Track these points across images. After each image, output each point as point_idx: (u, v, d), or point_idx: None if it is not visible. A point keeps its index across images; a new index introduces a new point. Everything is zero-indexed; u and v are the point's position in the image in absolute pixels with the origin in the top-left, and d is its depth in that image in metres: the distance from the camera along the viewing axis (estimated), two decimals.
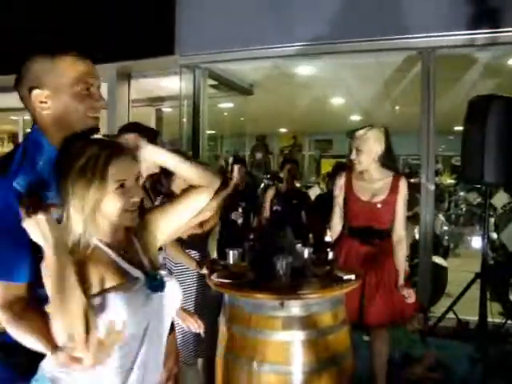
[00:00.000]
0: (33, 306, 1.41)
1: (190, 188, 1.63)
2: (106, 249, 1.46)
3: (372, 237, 3.09)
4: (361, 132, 3.07)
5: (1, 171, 1.41)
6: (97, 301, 1.38)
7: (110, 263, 1.45)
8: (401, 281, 3.07)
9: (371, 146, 3.05)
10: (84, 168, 1.37)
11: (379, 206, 3.04)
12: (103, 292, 1.39)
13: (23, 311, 1.39)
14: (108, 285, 1.41)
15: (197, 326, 2.56)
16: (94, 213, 1.40)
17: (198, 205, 1.64)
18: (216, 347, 2.73)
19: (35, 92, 1.46)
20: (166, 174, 2.70)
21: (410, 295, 3.02)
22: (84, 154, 1.39)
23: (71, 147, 1.42)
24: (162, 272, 1.57)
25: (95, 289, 1.39)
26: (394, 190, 3.06)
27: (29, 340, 1.38)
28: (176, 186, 3.08)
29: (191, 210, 1.65)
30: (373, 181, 3.11)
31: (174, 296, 1.57)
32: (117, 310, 1.38)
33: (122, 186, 1.42)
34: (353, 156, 3.09)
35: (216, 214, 3.28)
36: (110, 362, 1.40)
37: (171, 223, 1.64)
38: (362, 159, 3.07)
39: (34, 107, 1.49)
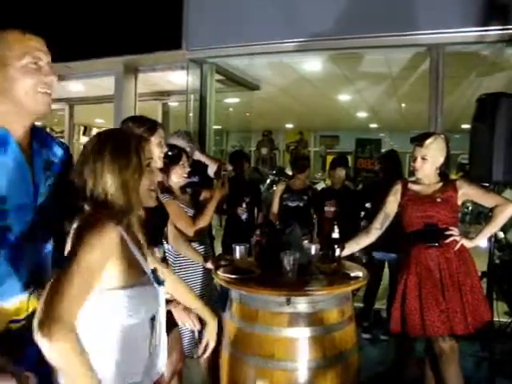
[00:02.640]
0: None
1: None
2: (128, 238, 1.48)
3: (436, 236, 2.94)
4: (429, 141, 3.00)
5: None
6: (114, 296, 1.40)
7: (128, 254, 1.46)
8: (482, 234, 3.03)
9: (436, 155, 3.02)
10: (120, 146, 1.48)
11: (439, 200, 2.96)
12: (122, 288, 1.41)
13: None
14: (125, 278, 1.42)
15: (192, 325, 2.54)
16: (137, 186, 1.49)
17: None
18: (220, 342, 2.73)
19: None
20: (162, 169, 2.69)
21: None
22: (116, 136, 1.51)
23: (94, 136, 1.54)
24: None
25: (111, 280, 1.40)
26: (451, 188, 3.00)
27: None
28: (172, 182, 3.08)
29: None
30: (430, 184, 3.07)
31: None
32: (133, 306, 1.42)
33: (148, 165, 1.55)
34: (417, 163, 3.03)
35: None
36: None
37: None
38: (425, 167, 3.03)
39: None
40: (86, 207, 1.44)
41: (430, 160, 3.01)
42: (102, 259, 1.35)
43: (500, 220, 2.96)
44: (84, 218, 1.41)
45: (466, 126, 9.74)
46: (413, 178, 3.18)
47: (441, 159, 3.05)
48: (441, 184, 3.05)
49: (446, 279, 2.90)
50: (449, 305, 2.86)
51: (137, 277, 1.46)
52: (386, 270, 4.78)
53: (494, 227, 3.04)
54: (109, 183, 1.44)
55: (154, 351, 1.55)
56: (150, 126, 2.42)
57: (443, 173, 3.10)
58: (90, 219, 1.39)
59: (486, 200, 3.05)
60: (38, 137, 1.57)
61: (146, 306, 1.47)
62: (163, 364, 1.62)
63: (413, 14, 4.64)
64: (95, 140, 1.51)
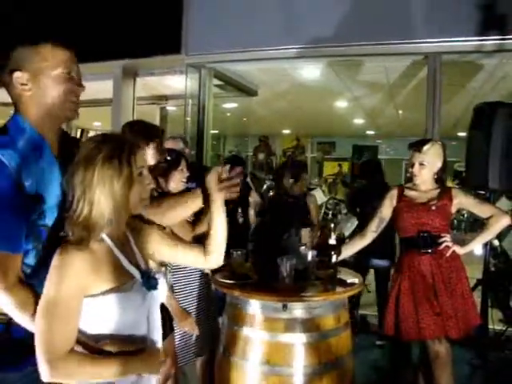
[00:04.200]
0: (24, 282, 1.47)
1: (196, 247, 1.72)
2: (112, 244, 1.49)
3: (429, 243, 2.99)
4: (427, 147, 3.04)
5: None
6: (97, 301, 1.42)
7: (112, 260, 1.48)
8: (476, 241, 3.08)
9: (434, 161, 3.05)
10: (111, 156, 1.43)
11: (434, 207, 2.99)
12: (104, 293, 1.43)
13: (17, 284, 1.44)
14: (108, 283, 1.44)
15: (191, 329, 2.54)
16: (126, 199, 1.46)
17: (193, 263, 1.80)
18: (217, 347, 2.73)
19: (16, 74, 1.51)
20: (162, 174, 2.69)
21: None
22: (108, 144, 1.45)
23: (87, 142, 1.50)
24: (154, 269, 1.63)
25: (95, 286, 1.42)
26: (446, 196, 3.03)
27: (16, 314, 1.44)
28: (172, 187, 3.07)
29: (185, 262, 1.86)
30: (426, 191, 3.10)
31: (162, 291, 1.63)
32: (116, 311, 1.43)
33: (140, 174, 1.51)
34: (415, 169, 3.07)
35: None
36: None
37: (162, 256, 1.71)
38: (423, 173, 3.06)
39: (16, 91, 1.54)
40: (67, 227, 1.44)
41: (427, 166, 3.05)
42: (72, 290, 1.38)
43: (494, 230, 3.03)
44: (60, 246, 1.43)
45: (462, 134, 9.80)
46: (409, 184, 3.21)
47: (438, 165, 3.08)
48: (437, 191, 3.08)
49: (439, 284, 2.95)
50: (442, 309, 2.90)
51: (118, 284, 1.45)
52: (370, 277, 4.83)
53: (486, 236, 3.10)
54: (97, 194, 1.41)
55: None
56: (148, 134, 2.42)
57: (440, 179, 3.12)
58: (60, 250, 1.41)
59: (482, 210, 3.08)
60: (64, 139, 1.69)
61: (127, 312, 1.46)
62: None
63: (411, 22, 4.67)
64: (87, 147, 1.47)
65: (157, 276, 1.58)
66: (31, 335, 1.40)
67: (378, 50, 4.90)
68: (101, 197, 1.42)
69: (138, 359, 1.47)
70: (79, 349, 1.41)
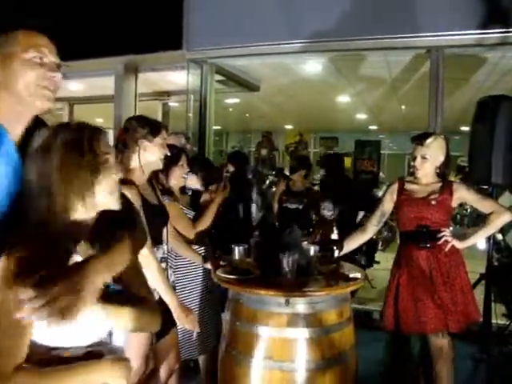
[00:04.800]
0: None
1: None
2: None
3: (428, 238, 2.97)
4: (430, 140, 3.03)
5: None
6: None
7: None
8: (474, 237, 3.04)
9: (436, 154, 3.04)
10: (71, 142, 1.29)
11: (434, 202, 2.98)
12: None
13: None
14: None
15: (192, 326, 2.54)
16: (91, 189, 1.30)
17: None
18: (219, 342, 2.73)
19: None
20: (162, 169, 2.69)
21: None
22: (67, 130, 1.32)
23: (41, 134, 1.34)
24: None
25: None
26: (447, 191, 3.01)
27: None
28: (173, 183, 3.07)
29: None
30: (428, 184, 3.09)
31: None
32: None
33: (106, 161, 1.34)
34: (417, 162, 3.06)
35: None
36: None
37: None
38: (426, 166, 3.05)
39: None
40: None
41: (429, 160, 3.04)
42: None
43: (494, 225, 3.02)
44: None
45: (465, 129, 9.76)
46: (410, 178, 3.20)
47: (440, 158, 3.06)
48: (438, 185, 3.07)
49: (438, 278, 2.94)
50: (443, 303, 2.90)
51: None
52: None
53: (487, 232, 3.09)
54: (56, 185, 1.26)
55: None
56: (155, 126, 2.43)
57: (442, 173, 3.11)
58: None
59: (483, 205, 3.07)
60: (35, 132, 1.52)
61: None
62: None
63: (413, 16, 4.65)
64: (44, 136, 1.32)
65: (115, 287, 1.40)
66: None
67: (380, 44, 4.88)
68: (61, 187, 1.27)
69: (103, 366, 1.31)
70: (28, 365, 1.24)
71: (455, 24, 4.52)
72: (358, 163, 12.32)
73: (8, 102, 1.44)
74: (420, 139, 3.05)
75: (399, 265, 3.07)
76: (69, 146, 1.28)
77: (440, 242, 2.94)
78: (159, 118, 7.53)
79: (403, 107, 9.34)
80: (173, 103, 8.01)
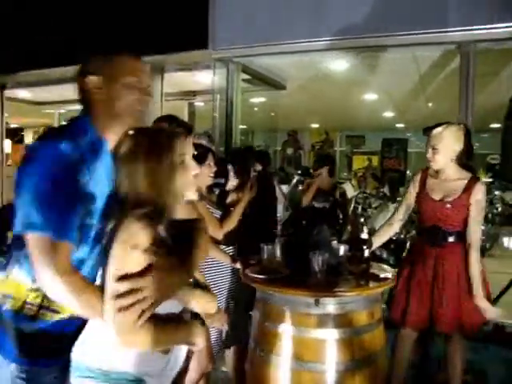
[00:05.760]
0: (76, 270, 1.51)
1: None
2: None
3: (440, 238, 2.95)
4: (438, 130, 2.93)
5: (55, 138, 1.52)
6: None
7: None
8: (476, 291, 2.86)
9: (448, 144, 2.92)
10: (152, 145, 1.53)
11: (449, 206, 2.91)
12: None
13: (70, 270, 1.46)
14: None
15: (220, 325, 2.53)
16: (171, 186, 1.53)
17: None
18: (248, 342, 2.71)
19: (91, 77, 1.60)
20: None
21: (485, 309, 2.85)
22: (147, 135, 1.57)
23: (125, 137, 1.58)
24: None
25: None
26: (466, 191, 2.90)
27: (72, 300, 1.45)
28: (199, 182, 3.07)
29: None
30: (448, 181, 2.98)
31: None
32: None
33: (182, 162, 1.57)
34: (428, 155, 2.97)
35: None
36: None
37: None
38: (437, 158, 2.94)
39: (88, 94, 1.62)
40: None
41: (441, 150, 2.92)
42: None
43: (476, 275, 2.87)
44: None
45: (494, 126, 9.57)
46: (431, 171, 3.10)
47: (455, 149, 2.93)
48: (461, 183, 2.94)
49: (439, 278, 2.93)
50: (436, 302, 2.91)
51: None
52: None
53: (477, 281, 2.88)
54: (141, 183, 1.49)
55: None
56: (185, 127, 2.44)
57: (466, 166, 2.99)
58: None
59: (471, 228, 2.92)
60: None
61: None
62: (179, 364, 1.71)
63: (442, 10, 4.55)
64: (129, 140, 1.56)
65: None
66: (76, 331, 1.52)
67: (407, 40, 4.78)
68: (145, 184, 1.49)
69: (194, 326, 1.63)
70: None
71: (486, 17, 4.40)
72: (385, 162, 12.22)
73: (106, 118, 1.62)
74: (430, 130, 2.98)
75: (407, 257, 3.15)
76: (151, 148, 1.53)
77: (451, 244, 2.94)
78: (185, 117, 7.56)
79: (430, 105, 9.19)
80: (198, 103, 8.03)
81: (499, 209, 8.37)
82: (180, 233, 1.58)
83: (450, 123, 3.00)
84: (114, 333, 1.42)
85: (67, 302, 1.47)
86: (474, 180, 2.95)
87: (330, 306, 2.40)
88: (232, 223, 3.19)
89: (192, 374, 2.55)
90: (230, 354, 3.26)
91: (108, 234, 1.49)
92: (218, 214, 3.17)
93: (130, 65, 1.65)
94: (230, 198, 3.41)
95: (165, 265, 1.48)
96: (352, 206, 7.90)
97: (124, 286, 1.41)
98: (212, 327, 2.73)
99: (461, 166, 2.98)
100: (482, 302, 2.85)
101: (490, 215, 8.30)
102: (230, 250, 3.19)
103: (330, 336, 2.39)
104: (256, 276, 2.60)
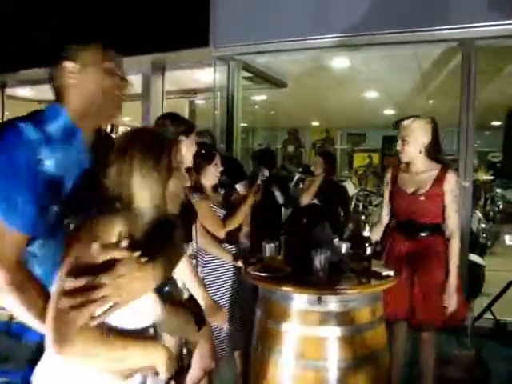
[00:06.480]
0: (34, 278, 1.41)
1: None
2: None
3: (415, 232, 3.00)
4: (407, 122, 3.03)
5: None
6: None
7: None
8: (451, 282, 2.90)
9: (417, 136, 3.00)
10: (150, 147, 1.41)
11: (422, 198, 2.96)
12: None
13: (16, 268, 1.36)
14: None
15: (222, 323, 2.53)
16: (163, 191, 1.42)
17: None
18: (250, 341, 2.72)
19: (66, 63, 1.55)
20: (194, 168, 2.71)
21: (451, 305, 2.90)
22: (145, 137, 1.46)
23: (122, 136, 1.49)
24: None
25: None
26: (438, 182, 2.96)
27: (26, 313, 1.37)
28: (206, 181, 3.07)
29: None
30: (418, 173, 3.05)
31: None
32: None
33: (177, 169, 1.48)
34: (398, 146, 3.07)
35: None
36: None
37: None
38: (407, 149, 3.03)
39: (61, 81, 1.57)
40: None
41: (411, 142, 3.00)
42: None
43: (456, 256, 2.93)
44: None
45: (495, 123, 9.56)
46: (403, 165, 3.16)
47: (424, 141, 3.01)
48: (432, 174, 2.99)
49: (415, 272, 2.96)
50: (413, 296, 2.94)
51: None
52: None
53: (455, 264, 2.93)
54: (134, 184, 1.38)
55: None
56: (188, 125, 2.44)
57: (435, 158, 3.04)
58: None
59: (449, 215, 2.96)
60: (99, 134, 1.70)
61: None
62: None
63: (443, 7, 4.54)
64: (122, 140, 1.46)
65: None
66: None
67: (408, 37, 4.78)
68: (138, 187, 1.38)
69: (156, 346, 1.39)
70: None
71: (488, 14, 4.39)
72: (386, 159, 12.22)
73: (81, 106, 1.57)
74: (399, 122, 3.06)
75: (383, 250, 3.14)
76: (147, 150, 1.41)
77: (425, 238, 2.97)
78: (186, 115, 7.55)
79: (431, 102, 9.18)
80: (200, 100, 8.02)
81: (500, 206, 8.37)
82: (156, 237, 1.43)
83: (419, 116, 3.10)
84: (49, 339, 1.21)
85: (6, 300, 1.36)
86: (444, 169, 3.00)
87: (332, 303, 2.40)
88: (235, 223, 3.19)
89: (194, 373, 2.55)
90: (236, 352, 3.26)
91: (76, 227, 1.39)
92: (221, 213, 3.17)
93: (106, 52, 1.63)
94: (234, 198, 3.42)
95: (132, 267, 1.30)
96: (353, 203, 7.91)
97: (75, 282, 1.22)
98: (213, 325, 2.74)
99: (430, 159, 3.04)
100: (450, 298, 2.90)
101: (491, 213, 8.31)
102: (232, 248, 3.19)
103: (332, 334, 2.39)
104: (258, 274, 2.60)
